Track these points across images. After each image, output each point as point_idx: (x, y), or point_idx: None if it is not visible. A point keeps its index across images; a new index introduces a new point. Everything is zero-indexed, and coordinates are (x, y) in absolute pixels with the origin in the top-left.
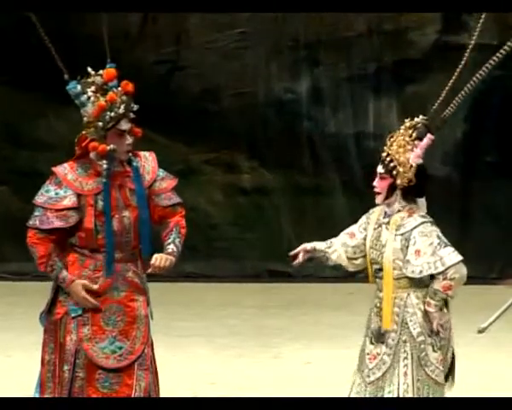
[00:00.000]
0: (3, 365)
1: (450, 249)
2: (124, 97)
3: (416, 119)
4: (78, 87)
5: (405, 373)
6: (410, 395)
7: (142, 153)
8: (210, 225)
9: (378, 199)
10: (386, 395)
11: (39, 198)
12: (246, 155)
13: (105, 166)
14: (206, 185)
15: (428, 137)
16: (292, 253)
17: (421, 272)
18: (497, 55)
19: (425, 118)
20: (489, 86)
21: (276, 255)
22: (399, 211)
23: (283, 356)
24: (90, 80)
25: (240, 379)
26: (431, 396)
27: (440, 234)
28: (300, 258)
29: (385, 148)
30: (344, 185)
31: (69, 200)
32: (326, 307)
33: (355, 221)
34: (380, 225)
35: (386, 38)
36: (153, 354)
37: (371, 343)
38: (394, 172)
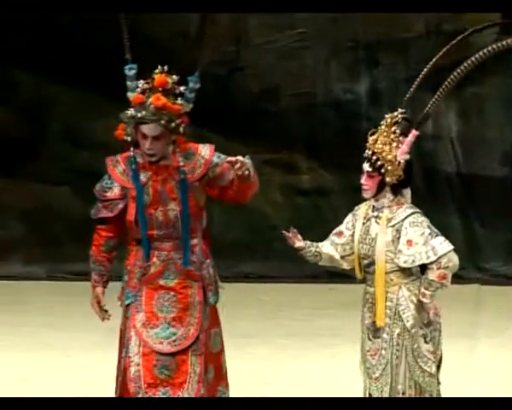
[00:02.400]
0: (62, 365)
1: (442, 239)
2: (150, 106)
3: (395, 113)
4: (133, 71)
5: (401, 365)
6: (408, 387)
7: (200, 146)
8: (268, 226)
9: (367, 195)
10: (387, 390)
11: (96, 186)
12: (304, 156)
13: (131, 156)
14: (264, 186)
15: (413, 134)
16: (285, 234)
17: (413, 261)
18: (484, 51)
19: (404, 112)
20: None
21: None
22: (389, 206)
23: (340, 357)
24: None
25: (295, 379)
26: (426, 388)
27: (430, 224)
28: (289, 239)
29: (368, 145)
30: None
31: (113, 191)
32: None
33: None
34: (369, 219)
35: (444, 40)
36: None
37: (369, 339)
38: (382, 170)
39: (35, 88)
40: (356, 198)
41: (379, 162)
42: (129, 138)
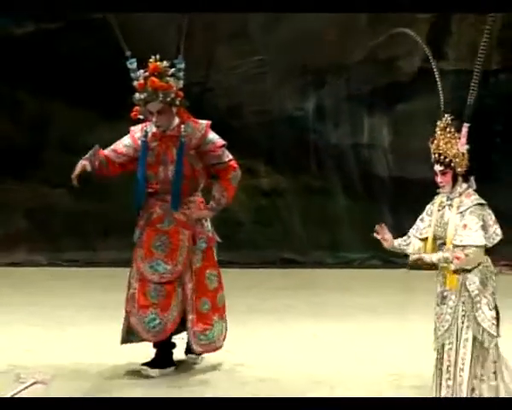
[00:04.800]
0: (60, 337)
1: (482, 232)
2: (149, 89)
3: (442, 122)
4: (135, 64)
5: (462, 329)
6: (467, 346)
7: (199, 122)
8: (235, 221)
9: (444, 190)
10: (446, 348)
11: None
12: (263, 162)
13: (145, 129)
14: None
15: (465, 126)
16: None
17: (461, 241)
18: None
19: (450, 115)
20: (463, 108)
21: (289, 246)
22: (460, 194)
23: (295, 329)
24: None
25: (254, 347)
26: (488, 346)
27: (487, 217)
28: (382, 235)
29: (433, 151)
30: (344, 187)
31: (124, 146)
32: (330, 289)
33: (352, 217)
34: (443, 207)
35: (379, 65)
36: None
37: (437, 305)
38: (452, 164)
39: (37, 106)
40: (306, 197)
41: (447, 159)
42: (141, 117)
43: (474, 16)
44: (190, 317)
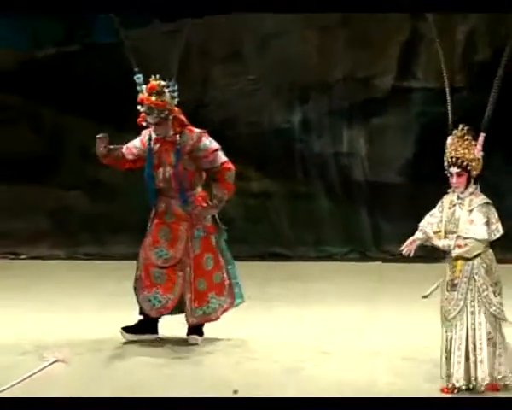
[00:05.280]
0: (77, 322)
1: (484, 228)
2: (146, 105)
3: (459, 128)
4: (141, 79)
5: (472, 313)
6: (482, 329)
7: (196, 130)
8: (227, 218)
9: (458, 190)
10: (458, 330)
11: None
12: (254, 168)
13: (149, 134)
14: None
15: (482, 136)
16: (401, 248)
17: (466, 233)
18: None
19: (466, 125)
20: (430, 122)
21: (277, 242)
22: (471, 193)
23: (282, 314)
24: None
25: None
26: (497, 327)
27: (491, 215)
28: (412, 249)
29: (452, 155)
30: (326, 191)
31: (134, 146)
32: (313, 280)
33: (333, 218)
34: (454, 205)
35: (356, 83)
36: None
37: (447, 291)
38: (469, 168)
39: (56, 119)
40: (292, 199)
41: (464, 163)
42: (145, 124)
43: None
44: (188, 296)
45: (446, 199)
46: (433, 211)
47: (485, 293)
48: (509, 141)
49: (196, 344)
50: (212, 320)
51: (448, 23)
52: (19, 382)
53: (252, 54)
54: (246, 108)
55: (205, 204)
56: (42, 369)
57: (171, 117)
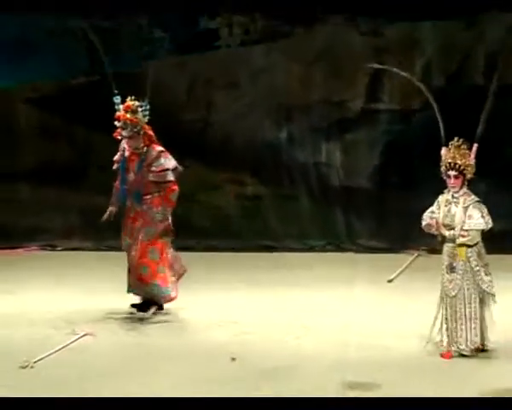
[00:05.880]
0: (95, 303)
1: (483, 220)
2: (122, 121)
3: (455, 140)
4: (119, 99)
5: (468, 289)
6: (477, 303)
7: (157, 147)
8: (224, 215)
9: (454, 190)
10: (458, 303)
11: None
12: (249, 175)
13: (124, 145)
14: (225, 193)
15: (475, 147)
16: (428, 223)
17: (468, 226)
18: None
19: (460, 138)
20: (393, 137)
21: (267, 236)
22: (464, 193)
23: (271, 296)
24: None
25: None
26: (487, 301)
27: (483, 210)
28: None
29: (451, 161)
30: (307, 194)
31: (117, 156)
32: (297, 267)
33: (314, 216)
34: (450, 203)
35: (333, 106)
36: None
37: (447, 273)
38: (464, 172)
39: (85, 136)
40: (280, 201)
41: (461, 167)
42: (120, 137)
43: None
44: (132, 277)
45: (442, 198)
46: (432, 208)
47: (478, 273)
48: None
49: (145, 318)
50: (153, 300)
51: (409, 57)
52: (55, 351)
53: (246, 83)
54: (242, 127)
55: (159, 208)
56: (74, 341)
57: (142, 132)
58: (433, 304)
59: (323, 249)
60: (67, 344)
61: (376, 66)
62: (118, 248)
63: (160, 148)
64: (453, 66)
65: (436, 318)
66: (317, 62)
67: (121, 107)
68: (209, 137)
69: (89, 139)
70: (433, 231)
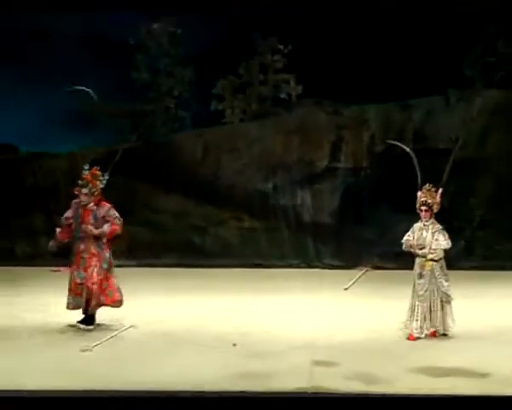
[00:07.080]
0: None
1: (446, 242)
2: (85, 181)
3: (426, 187)
4: (87, 167)
5: (432, 290)
6: (438, 303)
7: (106, 205)
8: (228, 245)
9: (425, 220)
10: (425, 304)
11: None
12: (246, 214)
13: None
14: (228, 227)
15: (441, 190)
16: (406, 242)
17: (435, 246)
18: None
19: (431, 186)
20: (348, 186)
21: (258, 256)
22: (432, 222)
23: (261, 301)
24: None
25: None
26: (447, 305)
27: (446, 235)
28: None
29: (424, 200)
30: (287, 227)
31: (67, 216)
32: (280, 279)
33: (292, 243)
34: (422, 229)
35: (305, 164)
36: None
37: (418, 279)
38: (433, 207)
39: (128, 185)
40: (268, 232)
41: (431, 204)
42: (77, 193)
43: (357, 142)
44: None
45: (416, 226)
46: (408, 233)
47: (440, 280)
48: (393, 196)
49: (85, 330)
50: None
51: (360, 130)
52: (106, 340)
53: (244, 148)
54: (241, 180)
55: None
56: (120, 332)
57: (96, 194)
58: (378, 305)
59: (298, 266)
60: (116, 334)
61: (393, 142)
62: (151, 265)
63: (108, 204)
64: (391, 136)
65: (409, 310)
66: (294, 133)
67: (87, 172)
68: (217, 187)
69: (130, 187)
70: (411, 249)
